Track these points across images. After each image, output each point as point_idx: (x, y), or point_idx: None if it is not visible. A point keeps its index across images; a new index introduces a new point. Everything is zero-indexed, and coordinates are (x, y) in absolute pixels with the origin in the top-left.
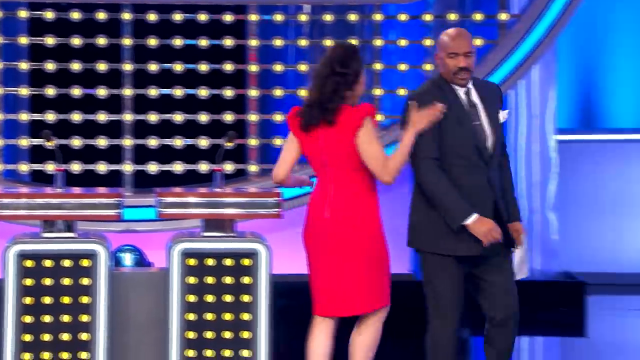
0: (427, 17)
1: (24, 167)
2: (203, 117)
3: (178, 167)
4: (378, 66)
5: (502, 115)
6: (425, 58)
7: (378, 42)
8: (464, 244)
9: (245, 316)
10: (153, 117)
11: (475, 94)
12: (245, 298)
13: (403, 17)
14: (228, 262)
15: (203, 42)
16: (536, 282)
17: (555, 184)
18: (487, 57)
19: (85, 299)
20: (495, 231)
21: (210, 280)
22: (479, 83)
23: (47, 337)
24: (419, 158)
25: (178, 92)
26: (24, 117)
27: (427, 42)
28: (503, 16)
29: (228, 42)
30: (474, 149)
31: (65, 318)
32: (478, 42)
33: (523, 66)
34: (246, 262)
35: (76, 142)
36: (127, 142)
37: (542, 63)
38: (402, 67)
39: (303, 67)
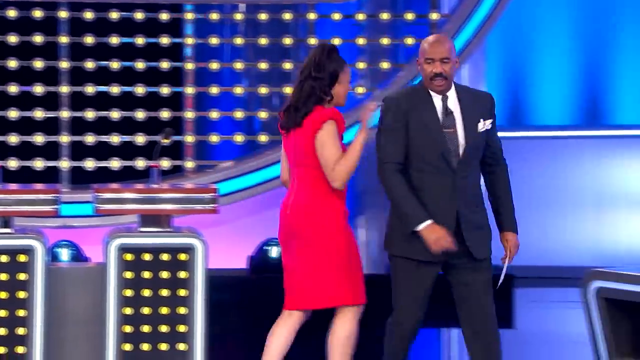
0: (360, 17)
1: None
2: (140, 114)
3: (115, 164)
4: None
5: (483, 124)
6: (358, 56)
7: (312, 41)
8: (425, 247)
9: (182, 310)
10: (90, 114)
11: (454, 101)
12: (182, 292)
13: (337, 16)
14: (165, 257)
15: (139, 40)
16: None
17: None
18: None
19: (22, 294)
20: (445, 240)
21: (147, 274)
22: (464, 90)
23: None
24: (382, 162)
25: (115, 89)
26: None
27: (360, 41)
28: (434, 16)
29: (164, 40)
30: (440, 156)
31: (2, 313)
32: (409, 40)
33: None
34: (182, 256)
35: (13, 139)
36: (64, 138)
37: (471, 62)
38: None
39: (238, 65)
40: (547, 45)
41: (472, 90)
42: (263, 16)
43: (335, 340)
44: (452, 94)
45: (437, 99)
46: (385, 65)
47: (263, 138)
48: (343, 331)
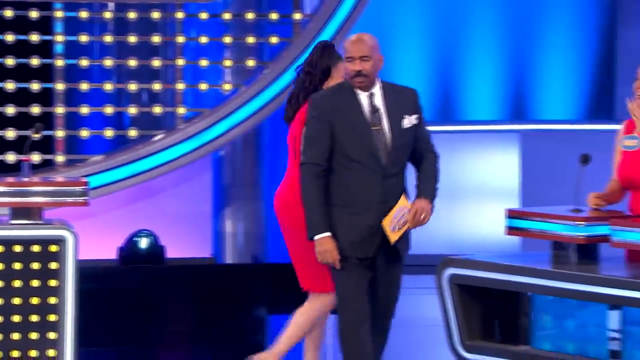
0: (226, 16)
1: None
2: (10, 110)
3: None
4: (180, 62)
5: (408, 120)
6: (224, 54)
7: (180, 39)
8: (360, 245)
9: (52, 300)
10: None
11: (380, 98)
12: (52, 283)
13: (204, 15)
14: (35, 248)
15: (9, 37)
16: None
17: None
18: (282, 54)
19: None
20: (331, 255)
21: (17, 266)
22: (390, 87)
23: None
24: (301, 161)
25: None
26: None
27: (227, 40)
28: (297, 16)
29: (34, 37)
30: (369, 154)
31: None
32: (274, 39)
33: None
34: (53, 248)
35: None
36: None
37: None
38: (203, 62)
39: (108, 62)
40: (403, 42)
41: (397, 86)
42: (132, 15)
43: (293, 318)
44: (377, 91)
45: (363, 97)
46: (251, 63)
47: (132, 133)
48: (302, 313)
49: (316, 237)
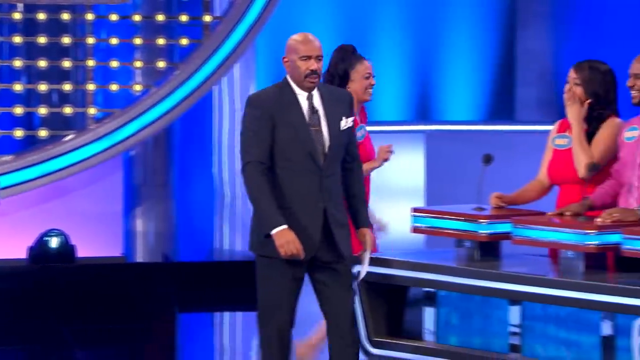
0: (136, 18)
1: None
2: None
3: None
4: (91, 63)
5: (345, 122)
6: (135, 56)
7: (90, 40)
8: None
9: None
10: None
11: (318, 100)
12: None
13: (114, 17)
14: None
15: None
16: (237, 263)
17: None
18: (192, 55)
19: None
20: (294, 246)
21: None
22: (325, 89)
23: None
24: (243, 160)
25: None
26: None
27: (137, 41)
28: (207, 18)
29: None
30: (307, 155)
31: None
32: (184, 41)
33: (225, 64)
34: None
35: None
36: None
37: (242, 61)
38: (114, 64)
39: (18, 63)
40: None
41: (332, 88)
42: (41, 16)
43: None
44: (315, 92)
45: (302, 97)
46: (161, 64)
47: (43, 133)
48: None
49: (274, 231)
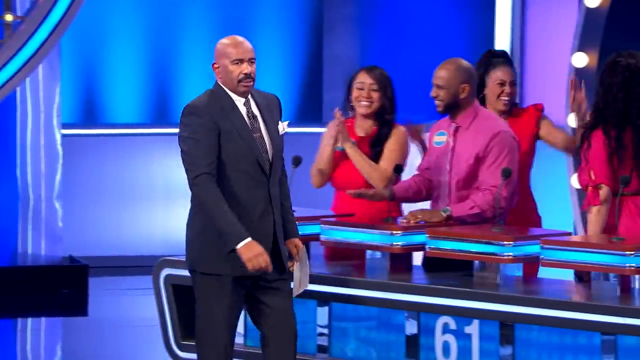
0: None
1: None
2: None
3: None
4: None
5: (282, 127)
6: None
7: None
8: (239, 263)
9: None
10: None
11: (254, 105)
12: None
13: None
14: None
15: None
16: (41, 267)
17: (60, 175)
18: None
19: None
20: (263, 259)
21: None
22: (257, 94)
23: None
24: (193, 173)
25: None
26: None
27: None
28: (8, 17)
29: None
30: (255, 162)
31: None
32: None
33: (28, 64)
34: None
35: None
36: None
37: (46, 62)
38: None
39: None
40: (120, 45)
41: (261, 92)
42: None
43: None
44: (250, 97)
45: (240, 103)
46: None
47: None
48: None
49: (240, 245)
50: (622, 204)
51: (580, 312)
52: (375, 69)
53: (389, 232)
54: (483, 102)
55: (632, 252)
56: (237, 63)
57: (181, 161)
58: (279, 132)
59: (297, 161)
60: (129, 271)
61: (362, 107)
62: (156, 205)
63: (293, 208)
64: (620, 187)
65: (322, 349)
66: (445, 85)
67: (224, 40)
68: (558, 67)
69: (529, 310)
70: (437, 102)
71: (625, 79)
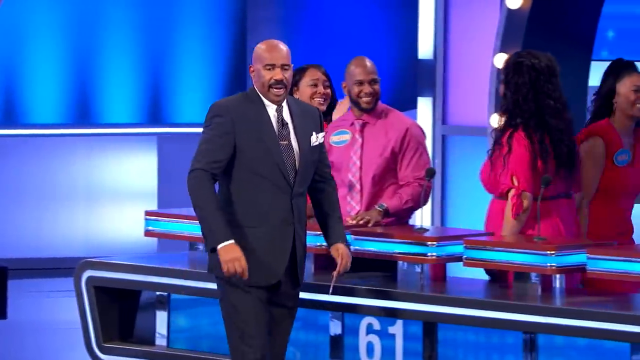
0: None
1: None
2: None
3: None
4: None
5: (316, 137)
6: None
7: None
8: (262, 272)
9: None
10: None
11: (287, 113)
12: None
13: None
14: None
15: None
16: None
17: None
18: None
19: None
20: (239, 264)
21: None
22: (294, 102)
23: None
24: (192, 166)
25: None
26: None
27: None
28: None
29: None
30: (277, 170)
31: None
32: None
33: None
34: None
35: None
36: None
37: None
38: None
39: None
40: (39, 45)
41: (301, 102)
42: None
43: None
44: (284, 104)
45: (271, 109)
46: None
47: None
48: None
49: (220, 246)
50: (542, 208)
51: (503, 311)
52: (320, 66)
53: (314, 232)
54: (607, 111)
55: (554, 252)
56: (270, 69)
57: (101, 162)
58: (311, 143)
59: None
60: (50, 273)
61: (317, 104)
62: (77, 206)
63: None
64: (541, 187)
65: None
66: (378, 79)
67: (261, 45)
68: (480, 68)
69: (452, 310)
70: (371, 98)
71: (532, 79)
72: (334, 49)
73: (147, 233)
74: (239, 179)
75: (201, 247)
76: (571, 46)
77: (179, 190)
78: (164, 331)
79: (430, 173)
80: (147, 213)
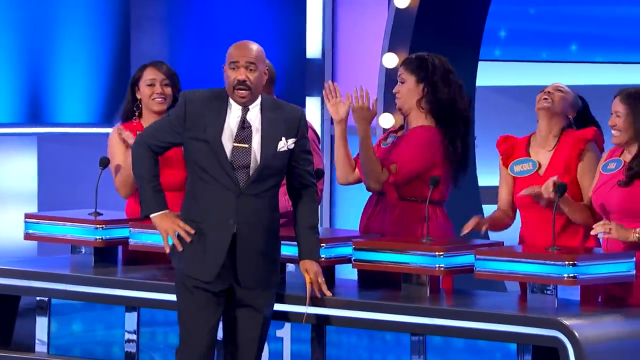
0: None
1: None
2: None
3: None
4: None
5: (283, 143)
6: None
7: None
8: (197, 265)
9: None
10: None
11: (256, 115)
12: None
13: None
14: None
15: None
16: None
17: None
18: None
19: None
20: (178, 225)
21: None
22: (272, 104)
23: None
24: (140, 136)
25: None
26: None
27: None
28: None
29: None
30: (220, 167)
31: None
32: None
33: None
34: None
35: None
36: None
37: None
38: None
39: None
40: None
41: (282, 104)
42: None
43: None
44: (255, 106)
45: (236, 110)
46: None
47: None
48: None
49: (153, 215)
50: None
51: (391, 313)
52: (162, 64)
53: None
54: None
55: (442, 253)
56: (234, 68)
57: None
58: (277, 148)
59: (104, 162)
60: None
61: (156, 104)
62: None
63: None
64: (429, 188)
65: (129, 356)
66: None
67: (235, 43)
68: (369, 67)
69: (340, 312)
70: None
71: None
72: (221, 48)
73: (27, 236)
74: (191, 172)
75: (83, 250)
76: (459, 46)
77: (60, 192)
78: (44, 337)
79: (319, 174)
80: (27, 215)
